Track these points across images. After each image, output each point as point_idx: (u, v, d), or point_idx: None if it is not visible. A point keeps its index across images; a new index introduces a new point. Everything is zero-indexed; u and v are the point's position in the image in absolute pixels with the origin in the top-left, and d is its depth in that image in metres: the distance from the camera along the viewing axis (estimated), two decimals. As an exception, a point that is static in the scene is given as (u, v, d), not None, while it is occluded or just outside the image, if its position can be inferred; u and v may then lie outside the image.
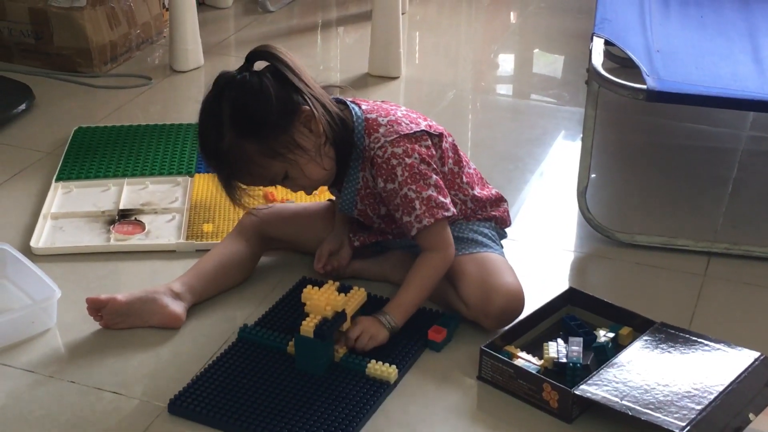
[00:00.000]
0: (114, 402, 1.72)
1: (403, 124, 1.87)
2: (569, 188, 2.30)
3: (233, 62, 3.10)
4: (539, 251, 2.18)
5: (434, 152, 1.88)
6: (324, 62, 3.17)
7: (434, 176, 1.85)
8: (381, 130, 1.85)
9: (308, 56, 3.19)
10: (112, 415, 1.69)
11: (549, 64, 3.33)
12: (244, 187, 1.86)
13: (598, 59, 2.14)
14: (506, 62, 3.33)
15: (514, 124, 2.78)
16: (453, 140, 1.96)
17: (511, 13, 3.68)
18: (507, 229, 2.05)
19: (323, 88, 1.86)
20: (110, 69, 2.98)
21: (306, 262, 2.07)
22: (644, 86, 2.06)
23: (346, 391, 1.73)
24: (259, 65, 1.83)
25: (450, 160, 1.92)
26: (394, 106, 1.93)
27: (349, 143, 1.86)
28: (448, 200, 1.86)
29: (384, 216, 1.94)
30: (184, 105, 2.86)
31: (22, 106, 2.68)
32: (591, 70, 2.13)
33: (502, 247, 1.99)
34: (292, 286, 2.01)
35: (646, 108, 2.61)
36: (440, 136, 1.91)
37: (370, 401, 1.71)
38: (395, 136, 1.85)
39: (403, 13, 3.27)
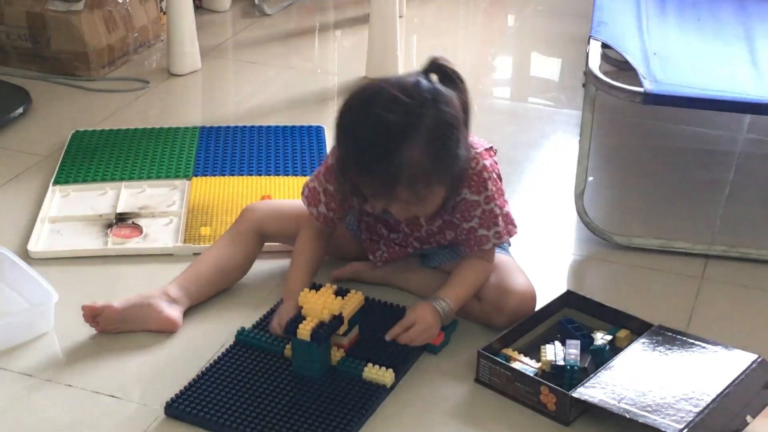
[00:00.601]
0: (111, 405, 1.72)
1: (475, 137, 1.85)
2: (567, 191, 2.30)
3: (231, 65, 3.10)
4: (537, 254, 2.17)
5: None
6: (321, 65, 3.18)
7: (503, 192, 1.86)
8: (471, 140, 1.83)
9: (306, 59, 3.19)
10: (109, 419, 1.69)
11: (547, 67, 3.34)
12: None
13: (595, 62, 2.15)
14: (504, 65, 3.33)
15: (512, 127, 2.78)
16: None
17: (509, 16, 3.68)
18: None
19: None
20: (108, 72, 2.98)
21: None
22: (641, 89, 2.06)
23: (342, 394, 1.73)
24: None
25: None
26: None
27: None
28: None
29: (434, 230, 1.92)
30: (181, 108, 2.86)
31: (20, 110, 2.68)
32: (588, 73, 2.13)
33: (509, 254, 2.00)
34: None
35: (643, 111, 2.61)
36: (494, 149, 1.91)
37: (366, 405, 1.71)
38: (481, 148, 1.84)
39: (400, 17, 3.27)
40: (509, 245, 2.01)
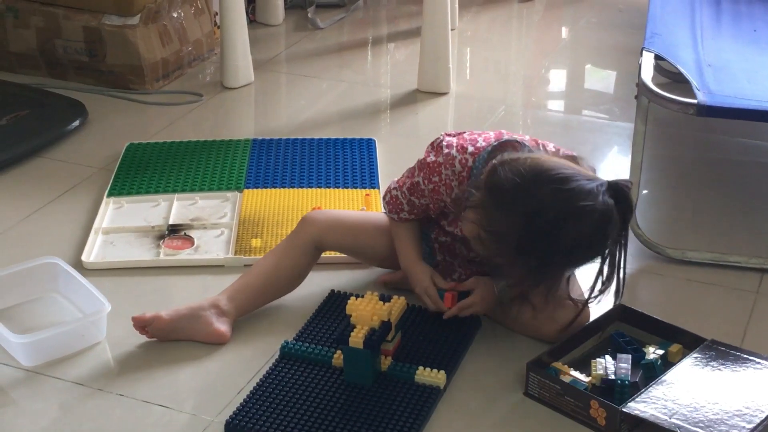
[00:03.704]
0: (162, 416, 1.73)
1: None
2: (621, 203, 2.27)
3: (283, 79, 3.12)
4: (588, 267, 2.15)
5: None
6: (374, 79, 3.18)
7: None
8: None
9: (358, 72, 3.20)
10: (160, 429, 1.70)
11: (600, 79, 3.31)
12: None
13: (647, 74, 2.12)
14: (557, 78, 3.32)
15: (565, 139, 2.75)
16: None
17: (562, 29, 3.67)
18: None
19: None
20: (162, 86, 3.01)
21: (345, 274, 2.07)
22: (694, 101, 2.04)
23: (398, 399, 1.73)
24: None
25: None
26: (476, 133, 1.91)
27: None
28: None
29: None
30: (234, 121, 2.88)
31: (76, 123, 2.72)
32: (640, 85, 2.11)
33: None
34: (323, 299, 2.01)
35: (698, 123, 2.59)
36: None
37: (424, 408, 1.71)
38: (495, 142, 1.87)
39: (452, 29, 3.27)
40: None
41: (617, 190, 1.69)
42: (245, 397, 1.75)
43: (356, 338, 1.74)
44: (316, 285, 2.06)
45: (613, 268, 1.75)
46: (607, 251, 1.72)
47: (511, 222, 1.67)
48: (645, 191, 2.40)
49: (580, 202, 1.65)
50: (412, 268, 1.94)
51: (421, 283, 1.91)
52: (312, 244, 1.99)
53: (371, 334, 1.75)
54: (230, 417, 1.71)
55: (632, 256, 2.19)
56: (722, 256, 2.14)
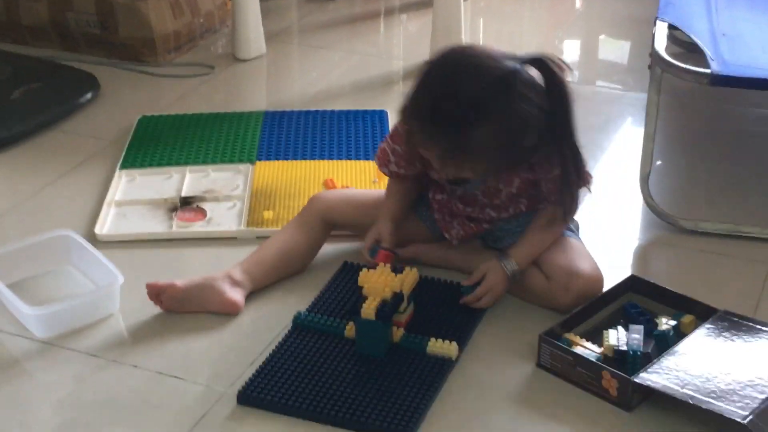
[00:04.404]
0: (175, 386, 1.74)
1: None
2: (633, 175, 2.26)
3: (295, 50, 3.11)
4: (602, 238, 2.15)
5: None
6: (386, 50, 3.17)
7: None
8: None
9: (371, 44, 3.19)
10: (173, 399, 1.71)
11: (614, 50, 3.29)
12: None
13: (661, 44, 2.11)
14: (570, 49, 3.30)
15: (578, 110, 2.71)
16: None
17: (576, -1, 3.65)
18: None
19: None
20: (174, 58, 3.00)
21: (359, 246, 2.07)
22: (708, 70, 2.03)
23: (411, 370, 1.74)
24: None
25: None
26: None
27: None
28: None
29: (513, 191, 1.91)
30: (246, 93, 2.88)
31: (88, 96, 2.72)
32: (654, 55, 2.09)
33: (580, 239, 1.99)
34: (336, 271, 2.01)
35: (712, 93, 2.57)
36: None
37: (436, 379, 1.72)
38: None
39: (465, 0, 3.25)
40: (578, 230, 2.00)
41: (536, 60, 1.73)
42: (257, 368, 1.76)
43: (368, 310, 1.74)
44: (330, 256, 2.06)
45: (563, 152, 1.79)
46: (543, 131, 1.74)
47: (446, 123, 1.70)
48: (659, 162, 2.39)
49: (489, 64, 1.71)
50: (379, 219, 1.95)
51: (369, 235, 1.94)
52: (321, 221, 2.01)
53: (383, 305, 1.75)
54: (242, 387, 1.71)
55: (645, 227, 2.20)
56: (735, 227, 2.13)
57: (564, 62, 1.77)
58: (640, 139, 2.21)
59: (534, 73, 1.75)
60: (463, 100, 1.70)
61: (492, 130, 1.70)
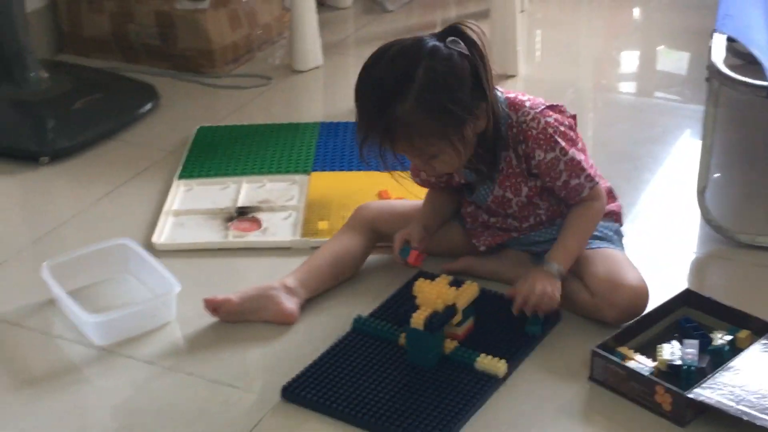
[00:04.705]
0: (230, 394, 1.76)
1: (539, 99, 1.92)
2: (690, 188, 2.24)
3: (352, 61, 3.13)
4: (657, 251, 2.14)
5: (574, 122, 1.93)
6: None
7: (580, 142, 1.91)
8: (527, 104, 1.88)
9: (427, 55, 3.19)
10: (227, 408, 1.73)
11: (673, 61, 3.26)
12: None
13: (718, 56, 2.09)
14: (628, 59, 3.28)
15: (634, 122, 2.73)
16: None
17: (634, 10, 3.62)
18: (623, 228, 2.04)
19: None
20: (232, 69, 3.04)
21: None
22: (766, 83, 2.00)
23: (455, 383, 1.74)
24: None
25: (580, 143, 1.95)
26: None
27: (499, 132, 1.87)
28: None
29: (524, 200, 1.93)
30: (302, 104, 2.90)
31: (148, 106, 2.76)
32: (710, 68, 2.07)
33: (624, 249, 1.98)
34: (408, 279, 2.01)
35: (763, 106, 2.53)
36: (574, 116, 1.95)
37: (478, 394, 1.71)
38: (542, 107, 1.88)
39: (522, 11, 3.25)
40: (622, 238, 1.99)
41: (450, 29, 1.80)
42: (307, 365, 1.78)
43: (417, 320, 1.75)
44: (403, 270, 2.03)
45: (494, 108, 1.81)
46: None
47: (375, 115, 1.78)
48: (716, 175, 2.37)
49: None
50: (412, 223, 1.98)
51: (399, 235, 1.96)
52: (369, 229, 2.05)
53: (433, 316, 1.75)
54: (288, 383, 1.74)
55: (702, 241, 2.17)
56: (794, 242, 2.10)
57: (476, 25, 1.84)
58: (698, 152, 2.19)
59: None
60: (376, 87, 1.78)
61: (414, 99, 1.75)
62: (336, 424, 1.69)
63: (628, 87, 3.11)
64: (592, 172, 1.88)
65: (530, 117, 1.86)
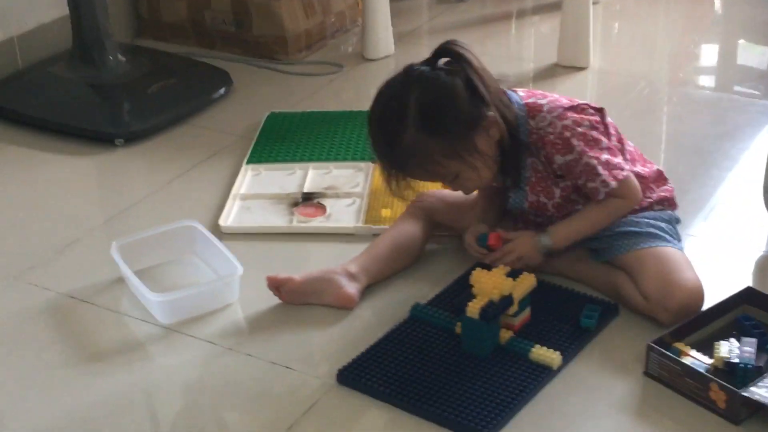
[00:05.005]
0: (286, 376, 1.79)
1: (563, 100, 1.92)
2: (758, 185, 2.21)
3: (424, 51, 3.08)
4: (721, 248, 2.12)
5: (599, 119, 1.92)
6: (517, 52, 3.17)
7: (604, 140, 1.89)
8: (544, 108, 1.89)
9: (501, 45, 3.20)
10: (283, 389, 1.77)
11: (754, 55, 3.21)
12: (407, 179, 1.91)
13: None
14: (705, 53, 3.24)
15: (707, 117, 2.70)
16: (611, 120, 1.97)
17: (715, 2, 3.57)
18: (688, 223, 2.02)
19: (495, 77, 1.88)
20: (305, 56, 3.08)
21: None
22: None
23: (508, 374, 1.75)
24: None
25: (613, 137, 1.94)
26: (548, 92, 1.97)
27: (518, 139, 1.88)
28: (620, 159, 1.90)
29: (559, 201, 1.94)
30: (373, 92, 2.89)
31: (221, 91, 2.81)
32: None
33: (680, 241, 1.96)
34: (468, 269, 2.02)
35: None
36: (601, 109, 1.94)
37: (531, 385, 1.72)
38: (560, 110, 1.88)
39: (596, 3, 3.23)
40: (679, 237, 1.97)
41: (439, 51, 1.86)
42: (363, 350, 1.81)
43: (473, 309, 1.76)
44: (462, 260, 2.06)
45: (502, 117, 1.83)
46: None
47: (384, 150, 1.87)
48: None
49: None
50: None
51: (466, 235, 2.00)
52: (425, 217, 2.07)
53: (489, 306, 1.77)
54: (343, 366, 1.77)
55: (765, 239, 2.14)
56: None
57: (463, 44, 1.88)
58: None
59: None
60: (378, 128, 1.86)
61: (413, 128, 1.80)
62: (390, 409, 1.71)
63: (703, 81, 3.07)
64: (607, 175, 1.86)
65: (547, 122, 1.88)
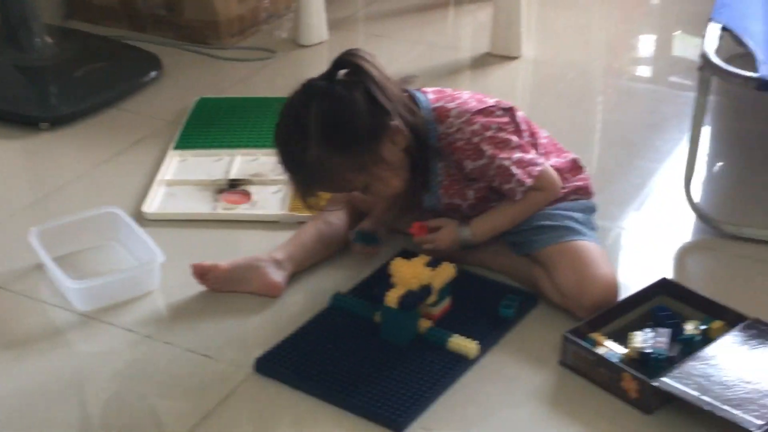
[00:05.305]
0: (203, 364, 1.79)
1: (471, 102, 1.91)
2: (680, 177, 2.24)
3: (358, 38, 3.14)
4: (642, 239, 2.14)
5: (508, 119, 1.91)
6: (454, 41, 3.17)
7: (514, 138, 1.89)
8: (452, 113, 1.88)
9: (438, 34, 3.18)
10: (199, 377, 1.76)
11: (688, 48, 3.23)
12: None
13: (711, 46, 2.08)
14: (641, 44, 3.25)
15: (636, 108, 2.72)
16: (523, 114, 1.98)
17: (651, -7, 3.60)
18: (613, 214, 2.03)
19: (400, 82, 1.88)
20: (237, 42, 3.05)
21: (406, 239, 2.09)
22: (756, 74, 1.99)
23: (425, 363, 1.76)
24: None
25: (525, 133, 1.95)
26: (458, 92, 1.95)
27: (427, 144, 1.88)
28: (533, 154, 1.91)
29: (473, 202, 1.94)
30: (304, 78, 2.90)
31: (151, 76, 2.78)
32: (702, 57, 2.07)
33: (595, 230, 1.97)
34: (390, 258, 2.03)
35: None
36: (511, 108, 1.94)
37: (447, 375, 1.73)
38: (468, 115, 1.88)
39: (529, -8, 3.24)
40: (593, 227, 1.98)
41: (338, 62, 1.84)
42: (282, 339, 1.80)
43: (391, 298, 1.77)
44: (386, 249, 2.05)
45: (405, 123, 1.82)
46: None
47: (289, 167, 1.86)
48: (721, 163, 2.36)
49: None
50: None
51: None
52: (349, 205, 2.07)
53: (407, 295, 1.77)
54: (261, 355, 1.77)
55: (688, 230, 2.17)
56: (779, 234, 2.10)
57: (361, 50, 1.85)
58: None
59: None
60: (281, 146, 1.85)
61: (315, 145, 1.78)
62: (307, 398, 1.71)
63: (637, 72, 3.09)
64: (522, 174, 1.86)
65: (455, 128, 1.88)
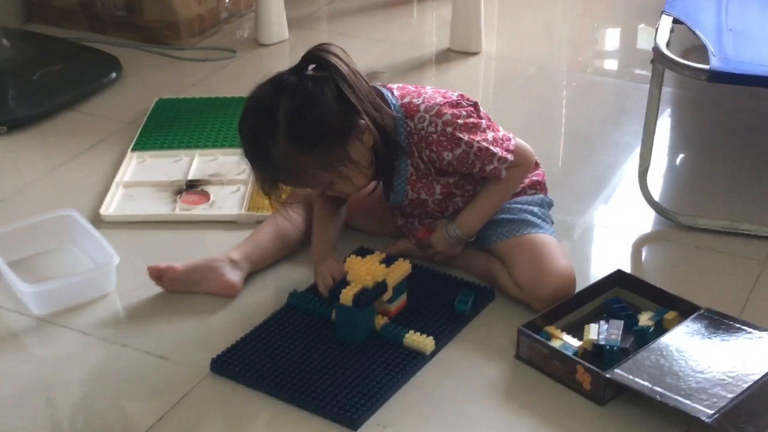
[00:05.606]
0: (160, 366, 1.78)
1: (437, 97, 1.90)
2: (635, 169, 2.25)
3: (319, 36, 3.13)
4: (598, 232, 2.15)
5: (473, 108, 1.91)
6: (417, 37, 3.16)
7: (483, 121, 1.90)
8: (421, 108, 1.88)
9: (401, 31, 3.19)
10: (156, 379, 1.76)
11: (649, 41, 3.22)
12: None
13: (663, 38, 2.10)
14: (602, 38, 3.27)
15: (595, 102, 2.74)
16: (484, 111, 1.98)
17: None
18: (569, 208, 2.04)
19: (368, 77, 1.87)
20: (197, 42, 3.05)
21: (362, 236, 2.09)
22: (707, 66, 2.01)
23: (381, 360, 1.76)
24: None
25: (485, 122, 1.93)
26: (421, 87, 1.95)
27: (395, 142, 1.87)
28: (503, 131, 1.92)
29: (439, 198, 1.95)
30: (264, 78, 2.90)
31: (110, 78, 2.77)
32: (655, 50, 2.08)
33: (552, 223, 1.98)
34: (348, 256, 2.03)
35: (728, 88, 2.53)
36: (476, 104, 1.94)
37: (403, 371, 1.74)
38: (437, 107, 1.87)
39: (493, -13, 3.25)
40: (550, 220, 1.99)
41: (306, 58, 1.82)
42: (238, 338, 1.81)
43: (346, 296, 1.77)
44: (343, 247, 2.04)
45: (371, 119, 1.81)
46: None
47: (255, 162, 1.83)
48: (667, 157, 2.38)
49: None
50: (315, 263, 1.98)
51: (321, 279, 1.92)
52: (306, 204, 2.06)
53: (362, 293, 1.77)
54: (217, 356, 1.77)
55: (642, 222, 2.19)
56: (733, 224, 2.11)
57: (333, 45, 1.86)
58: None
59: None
60: (247, 140, 1.82)
61: (283, 141, 1.76)
62: (263, 397, 1.71)
63: (598, 65, 3.11)
64: (501, 151, 1.87)
65: (427, 122, 1.86)
